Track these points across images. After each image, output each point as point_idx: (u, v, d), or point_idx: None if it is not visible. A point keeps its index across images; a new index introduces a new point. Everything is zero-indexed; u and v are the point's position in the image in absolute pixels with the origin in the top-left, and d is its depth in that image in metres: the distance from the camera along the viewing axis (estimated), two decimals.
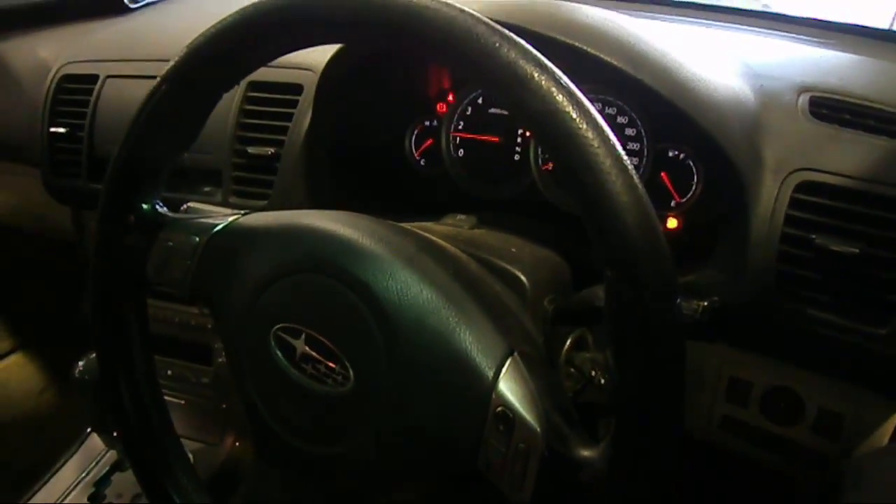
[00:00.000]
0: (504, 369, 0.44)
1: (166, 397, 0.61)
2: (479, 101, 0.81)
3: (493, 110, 0.80)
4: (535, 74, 0.37)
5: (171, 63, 0.49)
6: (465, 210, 0.71)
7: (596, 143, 0.36)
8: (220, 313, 0.54)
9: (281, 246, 0.51)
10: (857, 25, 0.85)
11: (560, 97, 0.36)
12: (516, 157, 0.80)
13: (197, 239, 0.54)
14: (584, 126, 0.36)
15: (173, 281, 0.55)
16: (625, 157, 0.36)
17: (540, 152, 0.77)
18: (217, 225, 0.54)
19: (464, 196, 0.82)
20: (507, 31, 0.38)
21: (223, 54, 0.48)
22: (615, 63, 0.59)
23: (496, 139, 0.80)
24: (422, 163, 0.86)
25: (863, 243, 0.56)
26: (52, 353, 1.46)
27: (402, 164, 0.86)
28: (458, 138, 0.82)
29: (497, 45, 0.38)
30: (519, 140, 0.79)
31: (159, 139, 0.52)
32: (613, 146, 0.36)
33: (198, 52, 0.48)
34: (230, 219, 0.55)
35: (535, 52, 0.38)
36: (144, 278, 0.56)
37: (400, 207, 0.72)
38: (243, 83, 0.84)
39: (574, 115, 0.36)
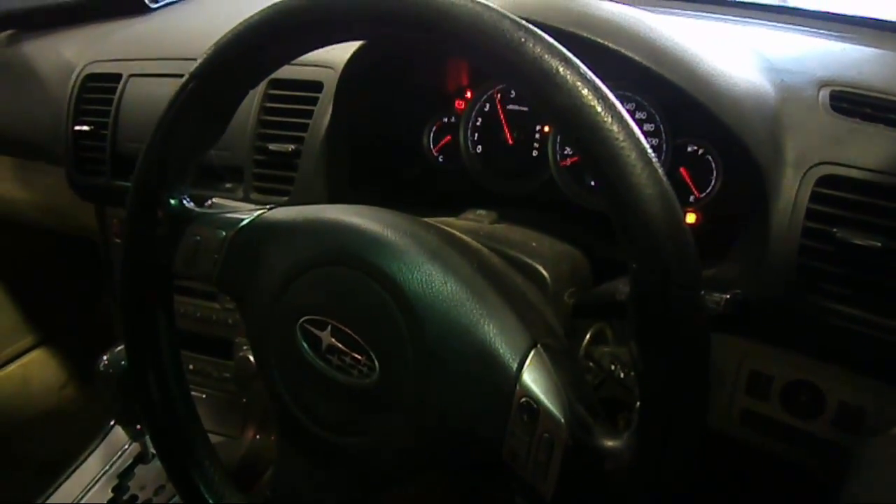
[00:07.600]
0: (528, 361, 0.44)
1: None
2: (498, 97, 0.81)
3: (511, 107, 0.81)
4: (561, 69, 0.37)
5: (200, 60, 0.50)
6: (483, 206, 0.72)
7: (621, 137, 0.36)
8: (247, 306, 0.55)
9: (306, 239, 0.52)
10: (877, 19, 0.85)
11: (585, 91, 0.37)
12: (534, 154, 0.80)
13: (224, 233, 0.55)
14: (610, 119, 0.37)
15: (201, 274, 0.56)
16: (649, 151, 0.37)
17: (558, 148, 0.78)
18: (243, 219, 0.55)
19: (482, 192, 0.83)
20: (532, 27, 0.39)
21: (250, 51, 0.49)
22: (636, 58, 0.59)
23: (514, 136, 0.81)
24: (440, 159, 0.86)
25: (884, 237, 0.56)
26: (73, 349, 1.48)
27: (421, 160, 0.87)
28: (476, 135, 0.83)
29: (523, 39, 0.38)
30: (537, 136, 0.80)
31: (187, 134, 0.54)
32: (638, 140, 0.37)
33: (226, 49, 0.49)
34: (256, 213, 0.56)
35: (560, 47, 0.38)
36: (172, 271, 0.57)
37: (419, 203, 0.72)
38: (264, 81, 0.85)
39: (599, 109, 0.37)
